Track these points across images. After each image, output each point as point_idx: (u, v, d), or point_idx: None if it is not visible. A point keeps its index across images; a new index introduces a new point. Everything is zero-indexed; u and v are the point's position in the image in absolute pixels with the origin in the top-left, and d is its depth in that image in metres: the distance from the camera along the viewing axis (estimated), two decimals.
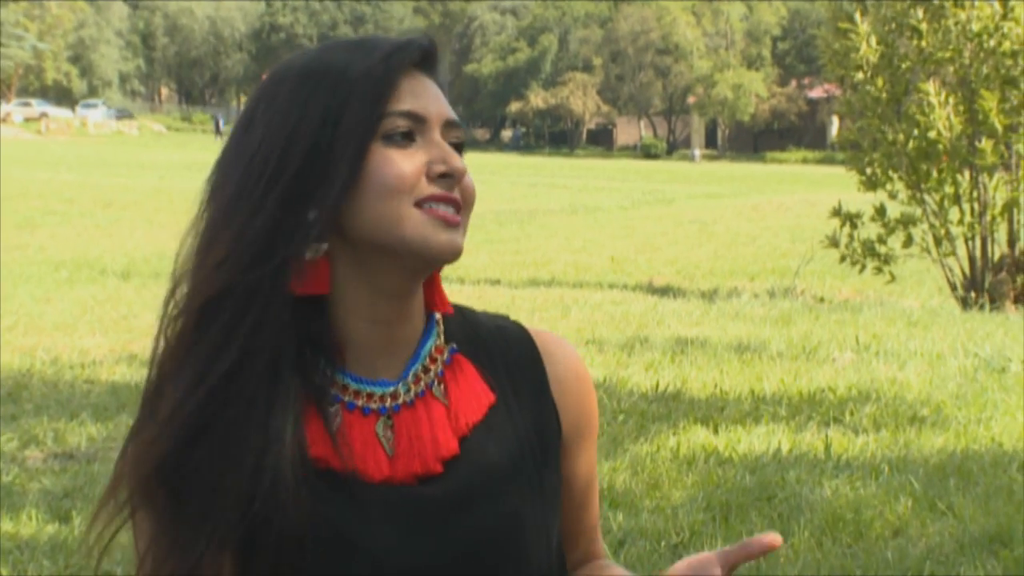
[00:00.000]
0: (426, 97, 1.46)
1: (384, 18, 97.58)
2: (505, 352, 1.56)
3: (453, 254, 1.43)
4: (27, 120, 78.27)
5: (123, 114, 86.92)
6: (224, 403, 1.38)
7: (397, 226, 1.40)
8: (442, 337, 1.52)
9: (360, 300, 1.44)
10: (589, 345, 10.07)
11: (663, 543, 5.23)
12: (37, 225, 22.42)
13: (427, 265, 1.45)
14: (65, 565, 4.96)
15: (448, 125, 1.46)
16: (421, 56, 1.47)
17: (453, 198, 1.44)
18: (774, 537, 1.42)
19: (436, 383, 1.49)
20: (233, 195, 1.41)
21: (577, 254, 19.91)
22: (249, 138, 1.43)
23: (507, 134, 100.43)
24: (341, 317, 1.45)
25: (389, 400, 1.46)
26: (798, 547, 5.16)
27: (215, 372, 1.38)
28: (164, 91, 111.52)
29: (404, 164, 1.42)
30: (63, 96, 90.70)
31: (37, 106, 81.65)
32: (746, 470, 6.30)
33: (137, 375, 8.70)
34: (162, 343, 1.43)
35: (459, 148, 1.48)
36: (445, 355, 1.51)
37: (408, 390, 1.47)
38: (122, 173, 38.84)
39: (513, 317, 1.64)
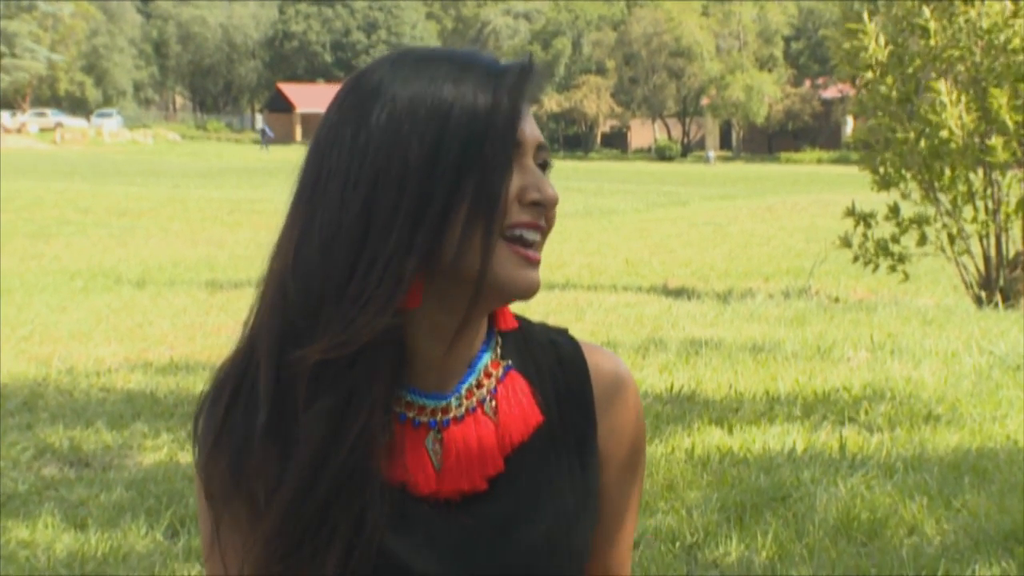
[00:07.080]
0: (524, 120, 1.43)
1: (397, 24, 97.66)
2: (555, 369, 1.53)
3: (532, 292, 1.43)
4: (42, 130, 78.64)
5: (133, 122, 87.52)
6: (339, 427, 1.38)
7: (484, 256, 1.39)
8: (499, 352, 1.50)
9: (426, 317, 1.41)
10: (604, 347, 10.06)
11: (678, 544, 5.23)
12: (52, 235, 22.49)
13: (504, 301, 1.44)
14: (81, 573, 4.98)
15: (539, 148, 1.45)
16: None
17: (540, 226, 1.44)
18: None
19: (488, 399, 1.47)
20: (362, 219, 1.37)
21: (592, 256, 19.91)
22: (377, 159, 1.37)
23: None
24: (406, 330, 1.42)
25: (440, 414, 1.44)
26: (813, 547, 5.15)
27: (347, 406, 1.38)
28: (179, 100, 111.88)
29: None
30: (77, 106, 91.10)
31: (52, 116, 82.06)
32: (761, 470, 6.29)
33: (152, 383, 8.72)
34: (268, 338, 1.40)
35: (545, 167, 1.46)
36: (500, 371, 1.49)
37: (460, 404, 1.45)
38: (137, 182, 38.96)
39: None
